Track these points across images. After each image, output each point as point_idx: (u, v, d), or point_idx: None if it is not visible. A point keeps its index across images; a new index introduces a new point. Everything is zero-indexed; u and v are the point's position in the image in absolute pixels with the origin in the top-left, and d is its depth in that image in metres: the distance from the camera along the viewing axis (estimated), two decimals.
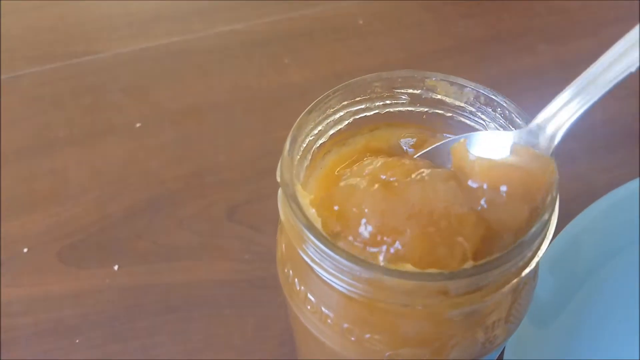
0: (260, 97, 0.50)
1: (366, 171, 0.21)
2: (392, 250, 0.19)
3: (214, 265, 0.40)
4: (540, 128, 0.22)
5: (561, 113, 0.21)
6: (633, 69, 0.20)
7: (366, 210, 0.20)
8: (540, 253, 0.20)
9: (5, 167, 0.45)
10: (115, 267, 0.40)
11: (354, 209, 0.20)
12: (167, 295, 0.39)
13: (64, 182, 0.44)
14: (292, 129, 0.22)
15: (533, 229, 0.19)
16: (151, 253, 0.41)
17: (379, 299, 0.19)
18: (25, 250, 0.41)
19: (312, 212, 0.20)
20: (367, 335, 0.21)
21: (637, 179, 0.37)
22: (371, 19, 0.56)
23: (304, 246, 0.20)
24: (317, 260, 0.19)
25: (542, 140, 0.21)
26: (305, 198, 0.21)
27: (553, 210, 0.20)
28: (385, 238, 0.19)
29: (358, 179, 0.20)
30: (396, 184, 0.20)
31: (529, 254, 0.19)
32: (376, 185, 0.20)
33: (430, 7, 0.57)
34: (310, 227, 0.19)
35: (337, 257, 0.18)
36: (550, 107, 0.22)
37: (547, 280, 0.33)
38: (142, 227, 0.42)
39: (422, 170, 0.21)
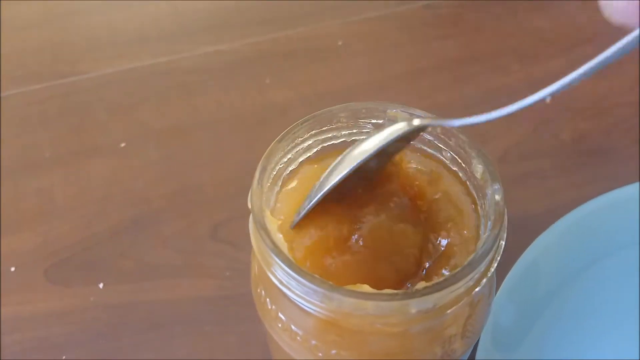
0: (243, 117, 0.52)
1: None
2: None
3: (196, 282, 0.41)
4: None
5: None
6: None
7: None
8: (492, 268, 0.21)
9: None
10: (101, 285, 0.41)
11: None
12: (151, 313, 0.40)
13: (51, 201, 0.46)
14: (262, 159, 0.24)
15: (482, 246, 0.21)
16: (135, 271, 0.42)
17: (342, 319, 0.21)
18: (13, 269, 0.42)
19: (279, 237, 0.22)
20: (334, 352, 0.22)
21: (596, 199, 0.39)
22: (351, 40, 0.58)
23: (272, 269, 0.21)
24: (284, 282, 0.21)
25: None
26: (273, 224, 0.22)
27: (502, 224, 0.22)
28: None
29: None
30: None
31: (481, 271, 0.21)
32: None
33: (407, 28, 0.59)
34: (277, 252, 0.21)
35: (301, 279, 0.20)
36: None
37: (508, 306, 0.34)
38: (126, 246, 0.43)
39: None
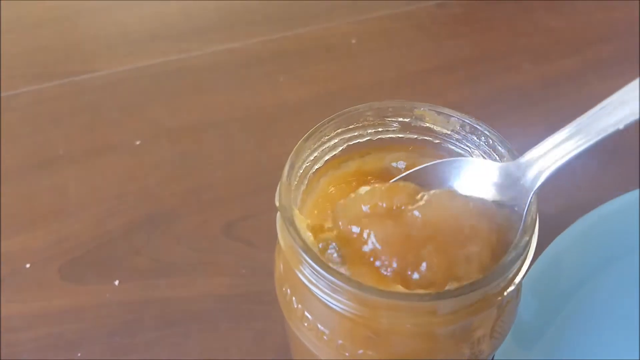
0: (256, 115, 0.52)
1: (368, 203, 0.22)
2: (414, 275, 0.20)
3: (210, 280, 0.41)
4: (528, 165, 0.23)
5: (552, 153, 0.22)
6: (631, 119, 0.21)
7: (379, 241, 0.21)
8: (522, 273, 0.21)
9: (5, 184, 0.46)
10: (116, 283, 0.41)
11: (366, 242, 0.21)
12: (165, 310, 0.40)
13: (64, 199, 0.46)
14: (290, 156, 0.24)
15: (513, 252, 0.21)
16: (149, 269, 0.42)
17: (371, 318, 0.20)
18: (28, 266, 0.42)
19: (308, 236, 0.22)
20: (360, 351, 0.22)
21: (618, 198, 0.39)
22: (363, 38, 0.58)
23: (301, 267, 0.21)
24: (313, 280, 0.21)
25: (527, 176, 0.23)
26: (302, 222, 0.22)
27: (533, 232, 0.22)
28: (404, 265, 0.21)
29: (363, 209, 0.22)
30: (406, 212, 0.21)
31: (511, 274, 0.21)
32: (387, 219, 0.21)
33: (420, 27, 0.59)
34: (307, 250, 0.20)
35: (332, 278, 0.20)
36: (542, 145, 0.22)
37: (530, 301, 0.34)
38: (140, 243, 0.43)
39: (422, 193, 0.22)
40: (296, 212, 0.22)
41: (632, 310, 0.36)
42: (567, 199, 0.44)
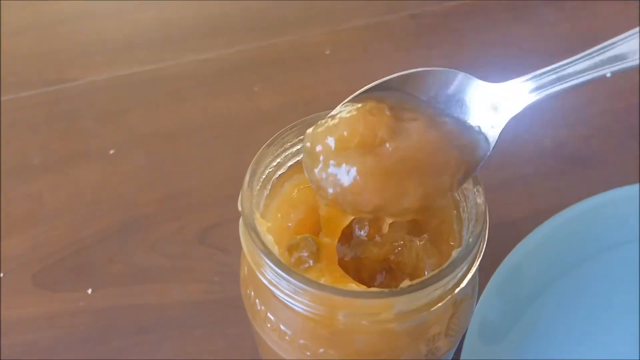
0: (231, 123, 0.52)
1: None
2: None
3: (185, 286, 0.41)
4: (513, 89, 0.24)
5: (539, 80, 0.24)
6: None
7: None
8: (474, 268, 0.22)
9: None
10: (89, 291, 0.41)
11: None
12: (139, 317, 0.40)
13: (39, 207, 0.46)
14: (251, 163, 0.24)
15: (465, 246, 0.22)
16: (124, 276, 0.42)
17: (329, 317, 0.21)
18: (1, 274, 0.42)
19: (269, 239, 0.22)
20: (321, 350, 0.23)
21: (577, 205, 0.40)
22: (337, 48, 0.59)
23: (262, 270, 0.22)
24: (274, 282, 0.22)
25: (508, 101, 0.24)
26: (263, 226, 0.23)
27: (483, 227, 0.23)
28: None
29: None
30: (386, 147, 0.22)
31: (464, 269, 0.22)
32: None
33: (393, 38, 0.60)
34: (267, 253, 0.21)
35: (291, 279, 0.21)
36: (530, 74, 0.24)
37: (495, 303, 0.35)
38: (115, 251, 0.43)
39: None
40: (257, 216, 0.23)
41: (593, 312, 0.37)
42: (528, 207, 0.45)
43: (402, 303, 0.21)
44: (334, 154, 0.22)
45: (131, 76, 0.56)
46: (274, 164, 0.26)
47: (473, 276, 0.24)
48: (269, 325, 0.24)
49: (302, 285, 0.20)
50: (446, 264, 0.21)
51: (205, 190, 0.47)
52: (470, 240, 0.22)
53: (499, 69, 0.57)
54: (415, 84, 0.24)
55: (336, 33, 0.60)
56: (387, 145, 0.22)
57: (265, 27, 0.60)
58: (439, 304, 0.21)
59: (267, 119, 0.52)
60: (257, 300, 0.25)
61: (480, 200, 0.23)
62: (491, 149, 0.23)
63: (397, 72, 0.58)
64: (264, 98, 0.54)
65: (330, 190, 0.21)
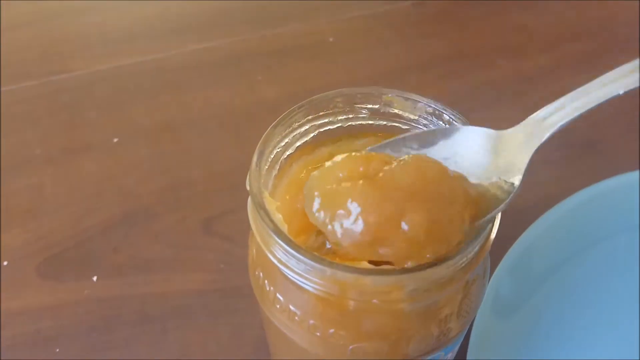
0: (233, 113, 0.52)
1: (345, 170, 0.21)
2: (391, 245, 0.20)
3: (189, 276, 0.41)
4: (531, 125, 0.23)
5: (551, 118, 0.23)
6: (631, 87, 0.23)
7: (358, 205, 0.20)
8: (487, 249, 0.22)
9: None
10: (94, 279, 0.41)
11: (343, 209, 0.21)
12: (143, 307, 0.40)
13: (42, 198, 0.45)
14: (259, 142, 0.24)
15: (482, 225, 0.21)
16: (128, 266, 0.42)
17: (340, 296, 0.21)
18: (5, 263, 0.41)
19: (278, 218, 0.22)
20: (331, 331, 0.22)
21: (588, 188, 0.40)
22: (340, 37, 0.58)
23: (272, 249, 0.21)
24: (283, 261, 0.21)
25: (522, 141, 0.23)
26: (272, 205, 0.22)
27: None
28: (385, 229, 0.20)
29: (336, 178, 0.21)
30: (381, 174, 0.21)
31: (476, 249, 0.21)
32: (361, 181, 0.21)
33: (396, 26, 0.60)
34: (277, 231, 0.21)
35: (301, 257, 0.20)
36: (540, 111, 0.24)
37: (507, 281, 0.36)
38: (118, 241, 0.43)
39: (399, 159, 0.22)
40: (266, 195, 0.23)
41: (600, 293, 0.37)
42: (536, 195, 0.44)
43: (414, 282, 0.20)
44: (328, 190, 0.21)
45: (133, 66, 0.55)
46: (282, 144, 0.25)
47: (485, 257, 0.23)
48: (278, 306, 0.24)
49: (312, 263, 0.20)
50: (464, 245, 0.21)
51: (209, 180, 0.47)
52: (484, 222, 0.21)
53: (503, 55, 0.57)
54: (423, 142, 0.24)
55: (339, 22, 0.60)
56: (381, 174, 0.21)
57: (267, 17, 0.60)
58: (450, 284, 0.21)
59: (270, 108, 0.52)
60: (265, 281, 0.24)
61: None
62: (516, 190, 0.22)
63: (401, 59, 0.57)
64: (267, 88, 0.54)
65: (329, 227, 0.21)
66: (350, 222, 0.20)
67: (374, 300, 0.21)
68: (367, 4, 0.61)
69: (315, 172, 0.22)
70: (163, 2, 0.61)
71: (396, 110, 0.26)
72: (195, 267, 0.41)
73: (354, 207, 0.20)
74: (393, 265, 0.21)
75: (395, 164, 0.21)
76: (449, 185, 0.21)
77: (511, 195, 0.22)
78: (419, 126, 0.26)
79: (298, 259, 0.20)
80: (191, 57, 0.56)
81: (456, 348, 0.26)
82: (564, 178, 0.46)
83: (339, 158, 0.22)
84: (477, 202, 0.22)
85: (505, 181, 0.23)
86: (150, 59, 0.56)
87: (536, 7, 0.61)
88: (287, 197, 0.25)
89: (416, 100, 0.26)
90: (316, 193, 0.21)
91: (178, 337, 0.38)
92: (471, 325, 0.33)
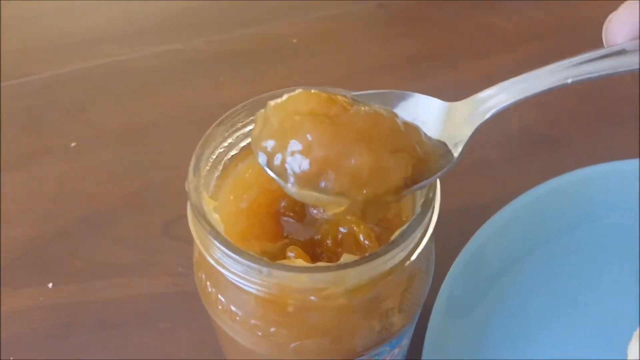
0: (198, 115, 0.51)
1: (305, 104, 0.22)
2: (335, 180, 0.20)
3: (149, 280, 0.41)
4: (477, 102, 0.24)
5: (498, 97, 0.24)
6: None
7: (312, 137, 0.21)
8: (423, 243, 0.22)
9: None
10: (50, 285, 0.40)
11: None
12: (102, 312, 0.39)
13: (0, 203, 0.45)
14: (200, 142, 0.24)
15: (414, 218, 0.21)
16: (86, 271, 0.41)
17: (279, 295, 0.21)
18: None
19: (215, 218, 0.22)
20: (272, 329, 0.22)
21: (541, 185, 0.41)
22: (306, 38, 0.58)
23: (210, 251, 0.21)
24: (221, 262, 0.21)
25: (472, 114, 0.24)
26: (209, 205, 0.22)
27: (433, 198, 0.22)
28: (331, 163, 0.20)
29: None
30: (339, 114, 0.21)
31: (414, 242, 0.21)
32: (319, 116, 0.21)
33: (361, 27, 0.60)
34: (213, 232, 0.21)
35: (237, 257, 0.20)
36: (490, 90, 0.24)
37: (461, 280, 0.36)
38: (77, 246, 0.42)
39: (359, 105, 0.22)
40: (204, 195, 0.22)
41: (556, 289, 0.37)
42: (494, 191, 0.45)
43: (350, 277, 0.20)
44: (284, 120, 0.21)
45: (96, 69, 0.55)
46: (225, 144, 0.25)
47: (426, 251, 0.24)
48: (220, 307, 0.24)
49: (248, 262, 0.20)
50: (394, 236, 0.21)
51: (169, 183, 0.46)
52: (420, 213, 0.21)
53: (468, 55, 0.57)
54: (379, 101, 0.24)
55: (304, 23, 0.60)
56: (340, 115, 0.21)
57: (232, 19, 0.60)
58: (389, 278, 0.21)
59: None
60: (208, 283, 0.24)
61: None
62: (454, 160, 0.23)
63: (365, 60, 0.58)
64: (231, 89, 0.54)
65: (279, 156, 0.21)
66: (300, 153, 0.21)
67: (312, 298, 0.20)
68: (331, 4, 0.61)
69: (272, 102, 0.22)
70: (126, 3, 0.61)
71: None
72: (154, 270, 0.41)
73: (308, 138, 0.21)
74: (330, 261, 0.21)
75: (354, 108, 0.21)
76: (402, 135, 0.21)
77: (449, 165, 0.23)
78: None
79: (234, 259, 0.20)
80: (155, 59, 0.56)
81: (403, 343, 0.26)
82: (523, 174, 0.47)
83: (299, 91, 0.22)
84: (424, 160, 0.22)
85: (448, 151, 0.23)
86: (114, 61, 0.56)
87: (502, 7, 0.62)
88: (232, 197, 0.25)
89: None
90: (273, 120, 0.21)
91: (137, 342, 0.38)
92: (425, 324, 0.33)
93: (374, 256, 0.20)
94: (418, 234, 0.21)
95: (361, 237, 0.22)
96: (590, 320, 0.36)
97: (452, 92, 0.55)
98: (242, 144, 0.26)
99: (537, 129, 0.50)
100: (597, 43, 0.26)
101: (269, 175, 0.22)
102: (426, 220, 0.22)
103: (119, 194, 0.45)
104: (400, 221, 0.24)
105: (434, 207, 0.22)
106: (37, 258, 0.42)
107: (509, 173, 0.47)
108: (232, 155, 0.26)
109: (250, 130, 0.26)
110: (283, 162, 0.21)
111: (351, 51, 0.58)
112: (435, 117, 0.24)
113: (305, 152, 0.20)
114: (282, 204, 0.25)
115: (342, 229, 0.23)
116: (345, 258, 0.21)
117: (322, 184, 0.20)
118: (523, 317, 0.36)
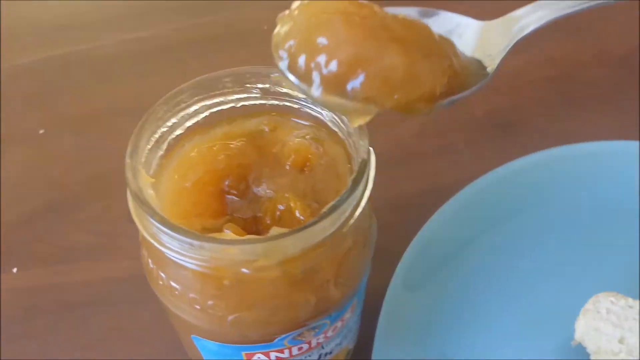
0: None
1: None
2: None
3: (111, 264, 0.41)
4: (513, 20, 0.23)
5: (537, 13, 0.24)
6: None
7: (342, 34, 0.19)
8: (355, 217, 0.22)
9: None
10: (14, 270, 0.40)
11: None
12: (64, 295, 0.40)
13: None
14: (140, 122, 0.24)
15: (346, 191, 0.22)
16: (50, 255, 0.41)
17: (213, 268, 0.21)
18: None
19: (150, 194, 0.22)
20: (210, 303, 0.23)
21: (498, 168, 0.41)
22: (274, 25, 0.58)
23: (145, 225, 0.22)
24: (156, 236, 0.21)
25: (508, 31, 0.23)
26: (146, 181, 0.23)
27: (366, 170, 0.23)
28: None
29: None
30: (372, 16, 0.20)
31: (343, 218, 0.22)
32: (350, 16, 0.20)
33: None
34: (145, 207, 0.21)
35: (168, 230, 0.21)
36: (525, 8, 0.24)
37: (419, 257, 0.37)
38: (41, 231, 0.43)
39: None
40: (141, 173, 0.23)
41: (506, 270, 0.38)
42: (455, 174, 0.45)
43: (279, 249, 0.21)
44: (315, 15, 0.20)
45: (62, 57, 0.55)
46: (169, 124, 0.26)
47: (361, 226, 0.24)
48: (160, 282, 0.24)
49: (180, 237, 0.20)
50: (325, 209, 0.21)
51: None
52: (352, 184, 0.22)
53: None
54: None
55: (272, 9, 0.59)
56: (372, 16, 0.20)
57: (200, 4, 0.60)
58: (321, 251, 0.22)
59: None
60: (149, 260, 0.25)
61: (363, 142, 0.23)
62: (491, 74, 0.23)
63: None
64: (200, 76, 0.54)
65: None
66: (328, 51, 0.19)
67: (244, 270, 0.21)
68: None
69: (299, 2, 0.22)
70: None
71: (286, 90, 0.27)
72: (117, 254, 0.41)
73: (338, 35, 0.19)
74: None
75: (387, 13, 0.21)
76: (436, 43, 0.21)
77: (485, 79, 0.23)
78: (309, 105, 0.27)
79: (167, 234, 0.21)
80: (122, 46, 0.56)
81: (345, 317, 0.27)
82: (486, 157, 0.47)
83: None
84: (459, 74, 0.22)
85: (482, 69, 0.23)
86: (80, 49, 0.56)
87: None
88: (176, 176, 0.25)
89: None
90: (299, 19, 0.21)
91: (98, 323, 0.38)
92: (381, 299, 0.34)
93: (301, 229, 0.20)
94: (348, 207, 0.22)
95: (297, 213, 0.23)
96: (539, 299, 0.37)
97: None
98: (188, 123, 0.26)
99: (501, 114, 0.51)
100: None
101: (290, 80, 0.21)
102: (357, 194, 0.22)
103: (83, 180, 0.46)
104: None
105: (366, 181, 0.23)
106: (2, 243, 0.42)
107: (472, 157, 0.48)
108: (177, 135, 0.26)
109: (196, 110, 0.26)
110: (308, 62, 0.20)
111: None
112: (469, 36, 0.24)
113: (334, 51, 0.19)
114: (227, 183, 0.25)
115: (280, 206, 0.23)
116: (274, 231, 0.21)
117: (350, 87, 0.19)
118: (474, 293, 0.37)
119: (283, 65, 0.20)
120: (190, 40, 0.57)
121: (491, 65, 0.23)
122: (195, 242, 0.20)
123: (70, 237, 0.43)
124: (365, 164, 0.22)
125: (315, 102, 0.20)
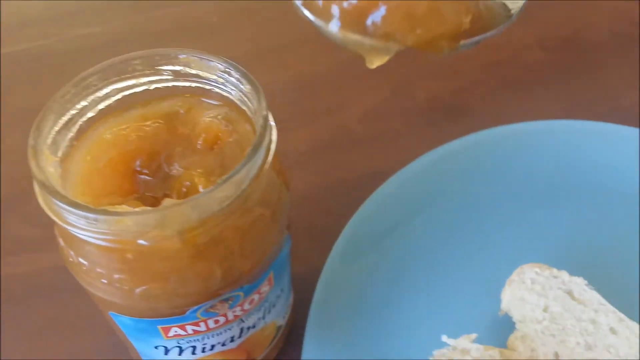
0: None
1: None
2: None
3: (55, 254, 0.41)
4: None
5: None
6: None
7: None
8: (258, 184, 0.23)
9: None
10: None
11: None
12: (7, 287, 0.40)
13: None
14: (46, 104, 0.25)
15: (244, 160, 0.22)
16: None
17: (113, 241, 0.22)
18: None
19: (50, 171, 0.23)
20: (117, 276, 0.23)
21: (437, 149, 0.43)
22: (224, 17, 0.59)
23: (49, 205, 0.23)
24: (56, 213, 0.22)
25: None
26: (48, 160, 0.23)
27: (259, 146, 0.23)
28: None
29: None
30: None
31: (239, 189, 0.22)
32: None
33: (277, 5, 0.61)
34: (43, 185, 0.22)
35: (62, 204, 0.21)
36: None
37: (357, 231, 0.39)
38: None
39: None
40: (44, 152, 0.24)
41: (438, 246, 0.40)
42: (395, 159, 0.46)
43: (173, 219, 0.21)
44: None
45: (15, 54, 0.55)
46: (79, 106, 0.26)
47: (268, 196, 0.25)
48: (70, 259, 0.25)
49: (75, 210, 0.21)
50: (221, 179, 0.22)
51: None
52: (247, 156, 0.22)
53: None
54: None
55: (222, 3, 0.60)
56: None
57: (150, 0, 0.60)
58: (219, 221, 0.22)
59: None
60: (60, 240, 0.25)
61: (262, 110, 0.24)
62: (513, 18, 0.23)
63: (283, 38, 0.58)
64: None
65: None
66: None
67: (141, 241, 0.22)
68: None
69: None
70: None
71: (195, 71, 0.27)
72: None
73: None
74: None
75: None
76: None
77: (510, 19, 0.23)
78: (219, 86, 0.28)
79: (64, 209, 0.21)
80: (75, 42, 0.56)
81: (262, 290, 0.27)
82: (427, 141, 0.48)
83: None
84: (483, 15, 0.21)
85: (506, 10, 0.23)
86: (34, 45, 0.56)
87: None
88: (89, 157, 0.26)
89: (208, 60, 0.27)
90: None
91: (41, 312, 0.39)
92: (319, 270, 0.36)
93: (193, 199, 0.21)
94: (247, 177, 0.22)
95: (200, 188, 0.24)
96: (469, 272, 0.38)
97: (363, 66, 0.57)
98: (100, 106, 0.27)
99: (443, 98, 0.52)
100: None
101: (305, 16, 0.20)
102: (254, 163, 0.23)
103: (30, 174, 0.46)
104: None
105: (267, 151, 0.23)
106: None
107: (413, 141, 0.49)
108: (89, 118, 0.27)
109: (107, 94, 0.27)
110: None
111: (269, 28, 0.59)
112: None
113: None
114: (138, 163, 0.26)
115: (186, 182, 0.24)
116: (166, 202, 0.22)
117: (370, 22, 0.19)
118: (406, 267, 0.38)
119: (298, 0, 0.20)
120: (142, 35, 0.57)
121: (515, 8, 0.23)
122: (90, 215, 0.21)
123: (16, 229, 0.43)
124: (262, 133, 0.23)
125: (332, 38, 0.20)
